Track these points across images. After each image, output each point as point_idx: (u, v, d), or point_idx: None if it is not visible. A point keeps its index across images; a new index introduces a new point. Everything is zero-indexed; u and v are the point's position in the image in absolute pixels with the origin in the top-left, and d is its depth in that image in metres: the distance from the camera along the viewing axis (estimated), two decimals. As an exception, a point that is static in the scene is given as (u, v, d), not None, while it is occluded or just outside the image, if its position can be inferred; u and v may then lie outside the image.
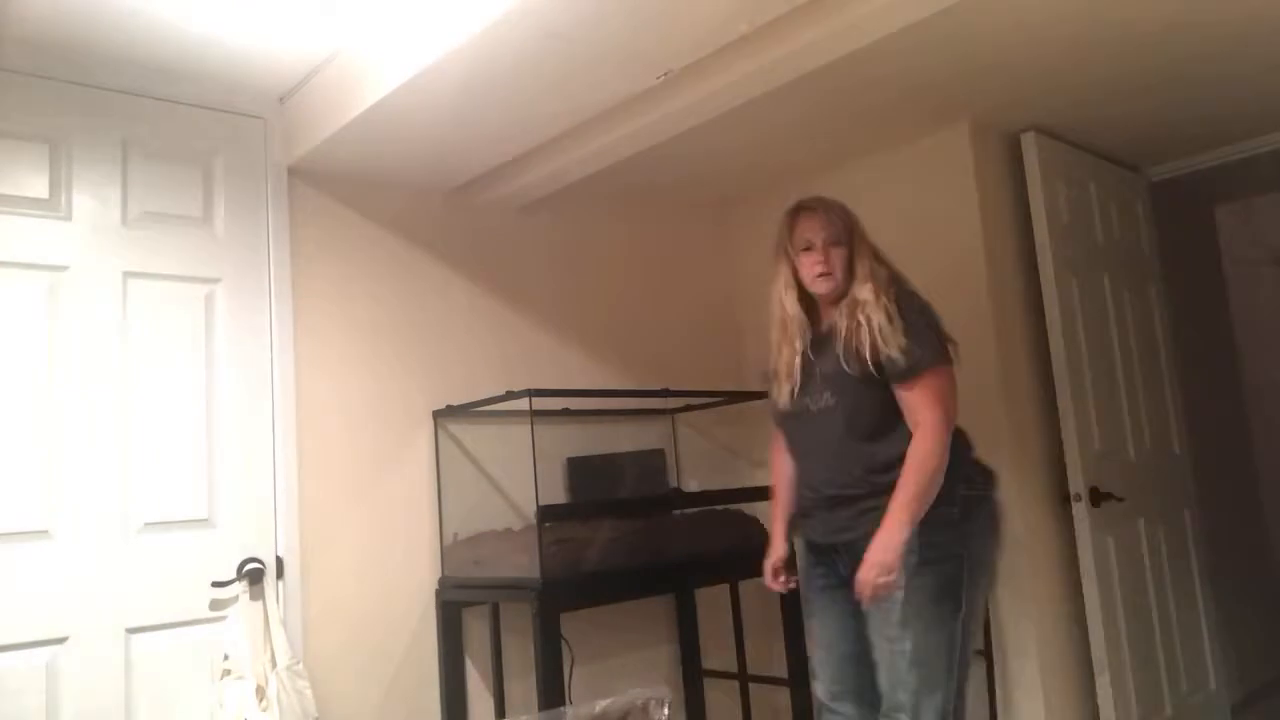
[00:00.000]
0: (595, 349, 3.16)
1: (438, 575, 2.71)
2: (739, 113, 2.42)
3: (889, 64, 2.35)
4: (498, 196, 2.91)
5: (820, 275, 2.03)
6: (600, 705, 1.65)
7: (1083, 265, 2.97)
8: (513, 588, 2.48)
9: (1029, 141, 2.88)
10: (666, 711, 1.72)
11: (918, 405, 1.90)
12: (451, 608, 2.68)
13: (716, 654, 3.16)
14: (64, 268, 2.23)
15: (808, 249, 2.04)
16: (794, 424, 2.11)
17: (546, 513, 2.51)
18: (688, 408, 3.23)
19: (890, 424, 1.95)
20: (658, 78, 2.22)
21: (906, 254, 2.93)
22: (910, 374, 1.90)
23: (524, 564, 2.46)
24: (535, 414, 2.56)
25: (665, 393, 2.75)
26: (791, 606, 2.73)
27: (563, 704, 2.28)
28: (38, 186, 2.22)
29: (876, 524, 1.87)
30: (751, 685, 3.03)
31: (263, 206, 2.55)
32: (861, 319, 1.95)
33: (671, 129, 2.47)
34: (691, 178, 3.13)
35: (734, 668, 3.06)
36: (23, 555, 2.10)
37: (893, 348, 1.90)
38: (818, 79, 2.28)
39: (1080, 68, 2.48)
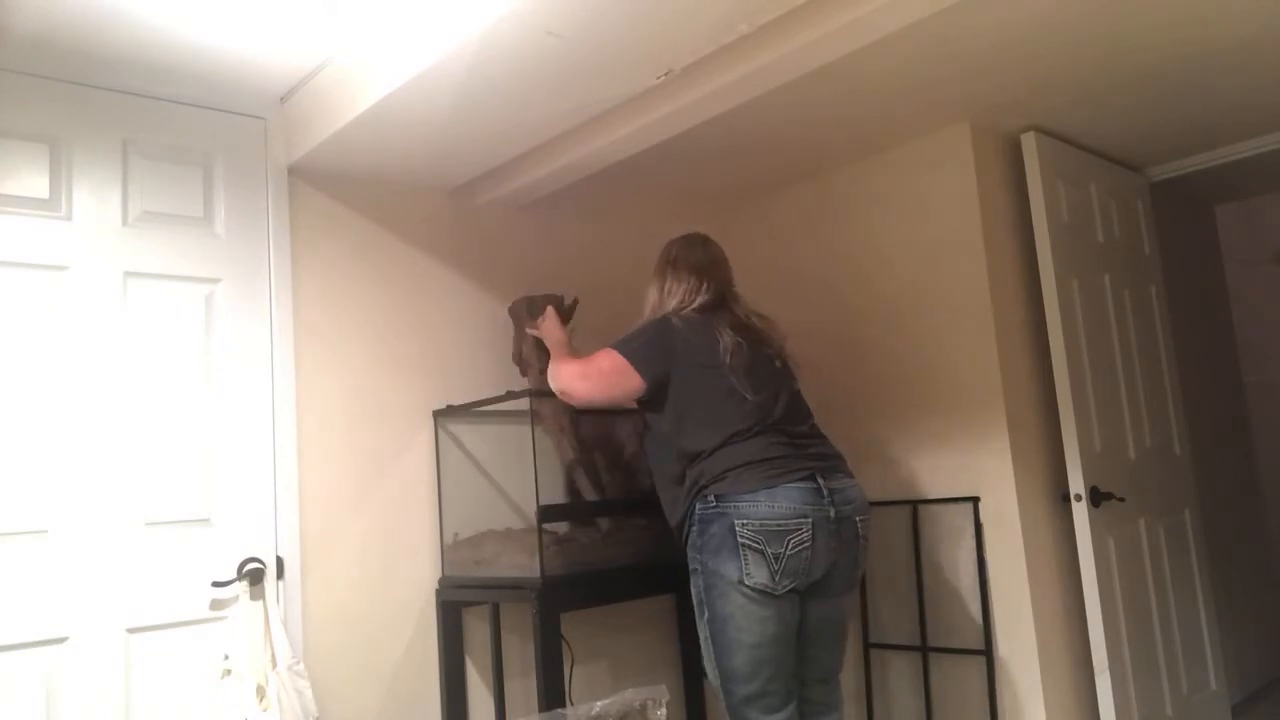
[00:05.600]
0: (596, 349, 3.15)
1: (438, 575, 2.71)
2: (738, 113, 2.42)
3: (889, 64, 2.35)
4: (498, 196, 2.91)
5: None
6: (599, 705, 1.66)
7: (1083, 265, 2.97)
8: (513, 588, 2.48)
9: (1029, 141, 2.88)
10: (664, 711, 1.72)
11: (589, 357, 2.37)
12: (451, 608, 2.68)
13: (716, 654, 3.16)
14: (64, 268, 2.23)
15: None
16: None
17: (546, 513, 2.51)
18: (688, 408, 3.23)
19: (662, 442, 2.29)
20: (658, 78, 2.22)
21: (907, 254, 2.96)
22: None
23: (524, 564, 2.46)
24: (536, 414, 2.56)
25: (665, 393, 2.76)
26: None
27: (563, 704, 2.28)
28: (38, 186, 2.22)
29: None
30: (751, 685, 3.03)
31: (263, 206, 2.55)
32: None
33: (671, 129, 2.47)
34: (691, 178, 3.13)
35: (734, 668, 3.06)
36: (22, 555, 2.10)
37: None
38: (817, 79, 2.28)
39: (1080, 68, 2.48)
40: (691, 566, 2.21)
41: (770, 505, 2.10)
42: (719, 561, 2.12)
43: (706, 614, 2.17)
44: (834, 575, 2.19)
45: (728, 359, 2.25)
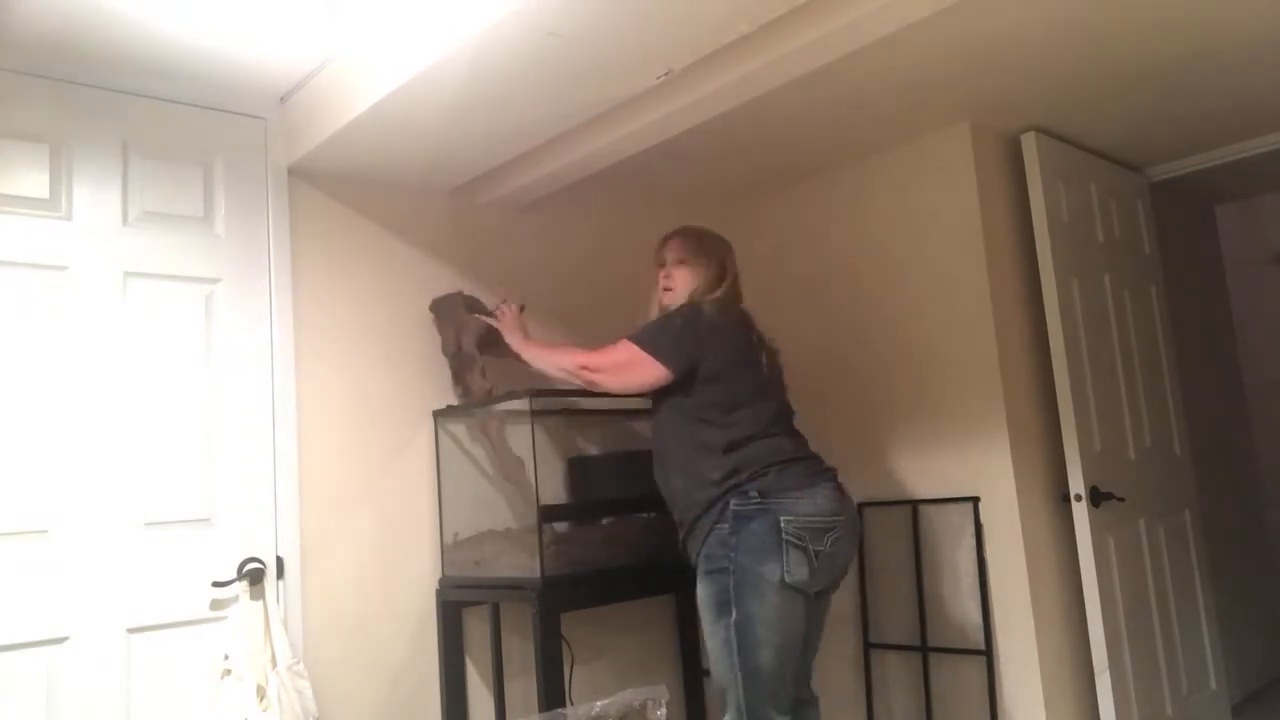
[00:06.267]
0: (592, 348, 3.15)
1: (438, 575, 2.71)
2: (739, 113, 2.42)
3: (889, 64, 2.35)
4: (498, 196, 2.91)
5: (664, 289, 2.46)
6: (599, 705, 1.66)
7: (1083, 265, 2.97)
8: (513, 588, 2.48)
9: (1029, 141, 2.88)
10: (664, 711, 1.72)
11: (606, 349, 2.32)
12: (452, 608, 2.68)
13: (716, 654, 3.16)
14: (64, 268, 2.23)
15: (661, 264, 2.48)
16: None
17: (547, 513, 2.51)
18: (688, 408, 3.22)
19: (688, 431, 2.23)
20: (658, 78, 2.22)
21: (907, 253, 2.96)
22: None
23: (524, 564, 2.46)
24: (535, 414, 2.56)
25: (666, 392, 2.76)
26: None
27: (563, 704, 2.28)
28: (38, 186, 2.22)
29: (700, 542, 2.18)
30: (751, 685, 3.03)
31: (263, 206, 2.55)
32: None
33: (671, 129, 2.47)
34: (692, 178, 3.13)
35: (734, 668, 3.06)
36: (23, 555, 2.10)
37: None
38: (817, 79, 2.28)
39: (1080, 68, 2.48)
40: (716, 565, 2.11)
41: (813, 503, 2.12)
42: (756, 560, 2.07)
43: (734, 614, 2.07)
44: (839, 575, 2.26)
45: (761, 356, 2.29)
